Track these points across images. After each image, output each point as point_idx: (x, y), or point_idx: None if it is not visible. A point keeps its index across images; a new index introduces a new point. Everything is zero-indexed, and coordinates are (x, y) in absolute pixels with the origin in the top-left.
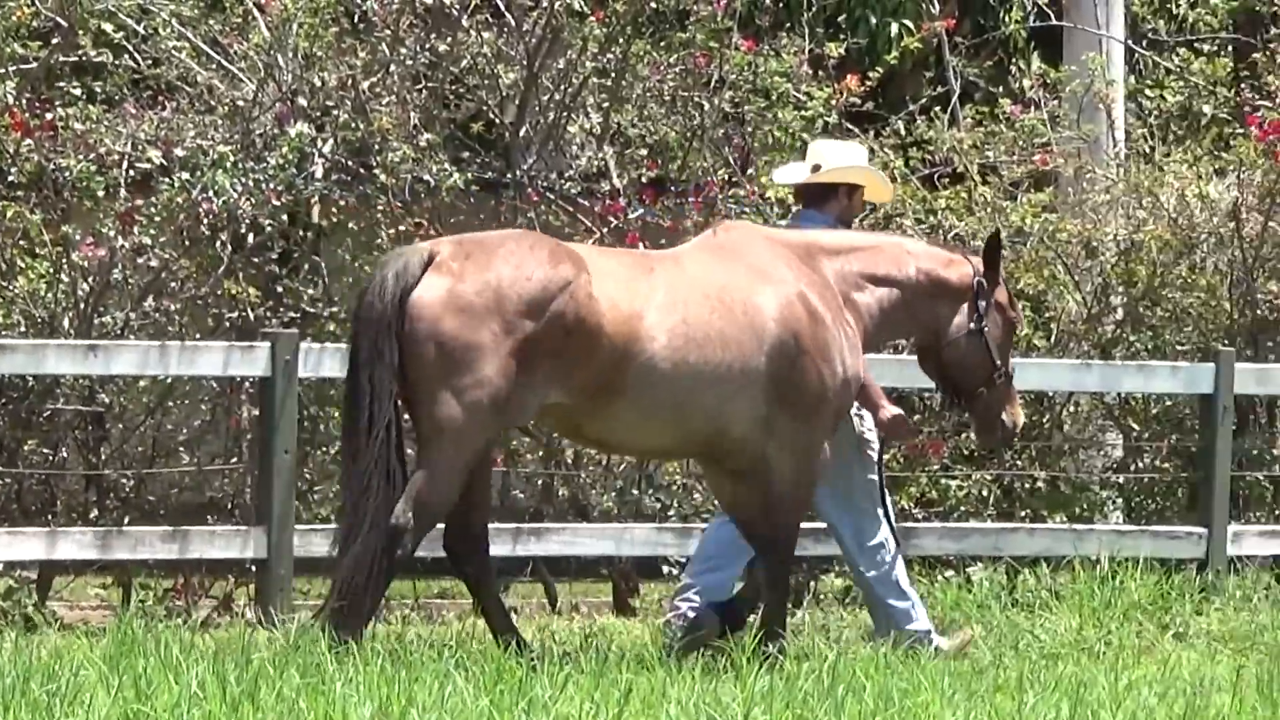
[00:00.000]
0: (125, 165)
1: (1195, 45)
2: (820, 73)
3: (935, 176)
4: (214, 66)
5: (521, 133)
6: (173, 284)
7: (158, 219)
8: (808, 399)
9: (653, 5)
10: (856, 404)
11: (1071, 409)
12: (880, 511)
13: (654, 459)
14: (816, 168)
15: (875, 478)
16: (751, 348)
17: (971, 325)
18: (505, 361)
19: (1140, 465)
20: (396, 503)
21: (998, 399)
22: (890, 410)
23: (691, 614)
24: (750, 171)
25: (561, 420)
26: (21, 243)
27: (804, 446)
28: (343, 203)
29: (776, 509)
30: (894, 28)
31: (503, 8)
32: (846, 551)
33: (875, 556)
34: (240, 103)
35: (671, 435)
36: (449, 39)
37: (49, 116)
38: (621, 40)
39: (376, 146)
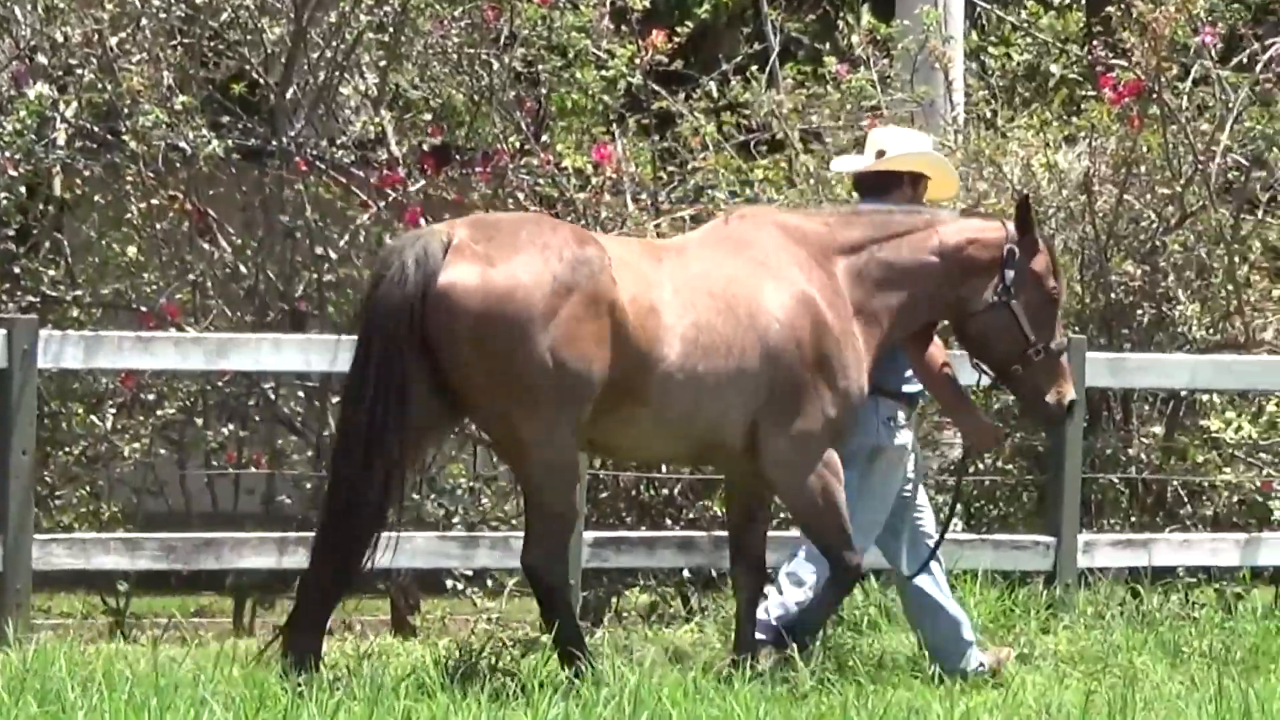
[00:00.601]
0: None
1: None
2: (623, 28)
3: (752, 144)
4: None
5: (288, 95)
6: None
7: None
8: (805, 411)
9: None
10: (902, 409)
11: None
12: (920, 523)
13: (659, 463)
14: (881, 154)
15: (911, 489)
16: (753, 352)
17: (996, 297)
18: (554, 347)
19: (981, 467)
20: (380, 515)
21: (1038, 376)
22: (975, 415)
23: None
24: (545, 139)
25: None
26: None
27: (800, 463)
28: (88, 173)
29: (805, 526)
30: None
31: None
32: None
33: (917, 569)
34: None
35: (674, 446)
36: None
37: None
38: None
39: (126, 110)
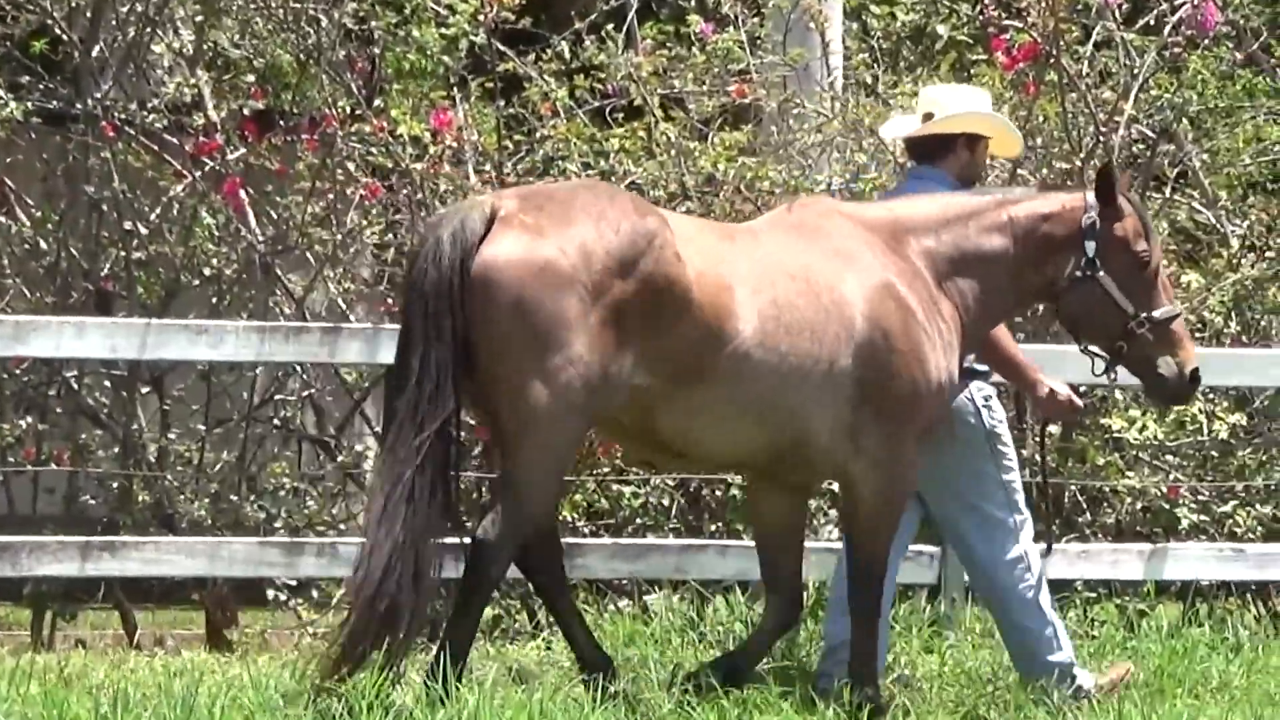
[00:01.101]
0: None
1: None
2: None
3: (608, 110)
4: None
5: (94, 53)
6: None
7: None
8: (897, 406)
9: None
10: (992, 387)
11: None
12: (1019, 519)
13: (721, 471)
14: (929, 116)
15: (1013, 477)
16: (840, 343)
17: (1080, 272)
18: (597, 332)
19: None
20: (440, 515)
21: (1147, 349)
22: (1048, 385)
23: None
24: (378, 103)
25: (635, 413)
26: None
27: (892, 461)
28: None
29: (865, 532)
30: None
31: None
32: (976, 564)
33: (1014, 571)
34: None
35: (753, 438)
36: None
37: None
38: None
39: None
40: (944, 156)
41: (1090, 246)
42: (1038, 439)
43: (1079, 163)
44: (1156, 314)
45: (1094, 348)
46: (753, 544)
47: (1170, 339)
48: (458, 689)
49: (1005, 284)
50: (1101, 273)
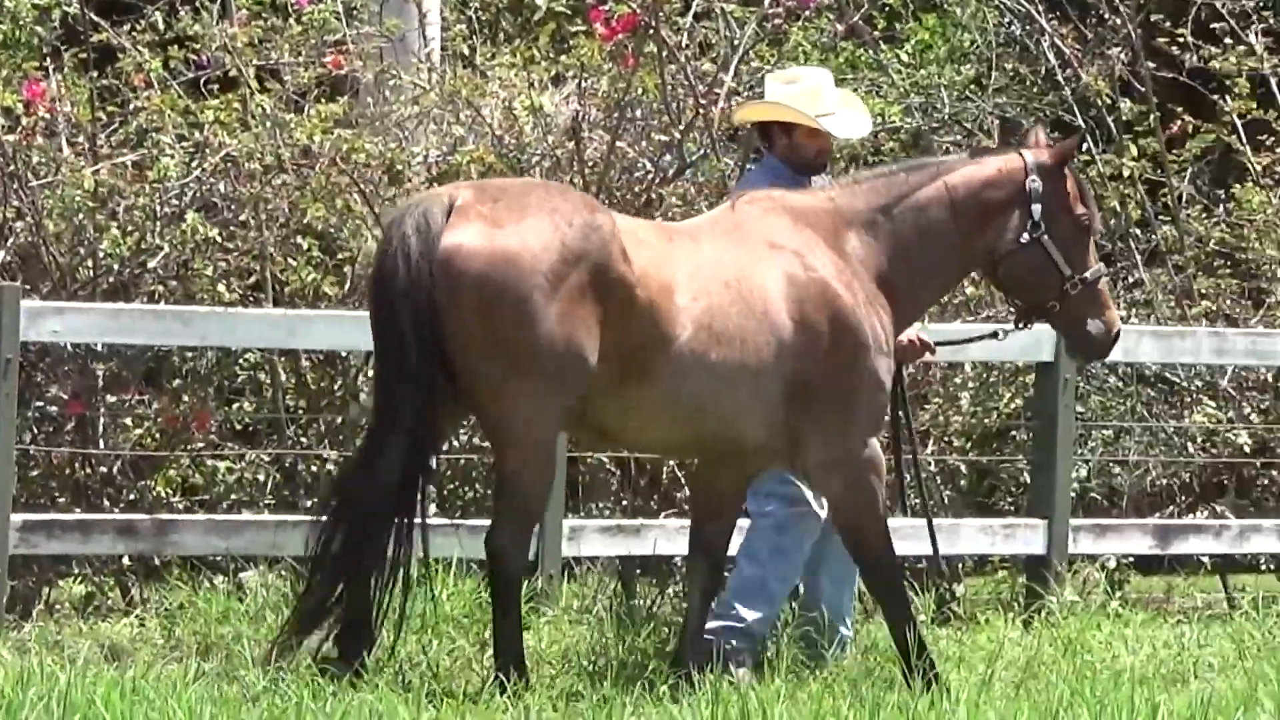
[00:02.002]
0: None
1: None
2: None
3: (203, 82)
4: None
5: None
6: None
7: None
8: (836, 407)
9: None
10: None
11: (370, 373)
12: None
13: (663, 452)
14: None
15: None
16: (770, 349)
17: (1027, 235)
18: (558, 321)
19: (456, 445)
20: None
21: (1079, 308)
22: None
23: None
24: None
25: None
26: None
27: (848, 460)
28: None
29: (850, 529)
30: None
31: None
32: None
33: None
34: None
35: (685, 435)
36: None
37: None
38: None
39: None
40: (772, 143)
41: (1036, 210)
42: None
43: (678, 135)
44: (1088, 275)
45: (1023, 307)
46: None
47: (1099, 299)
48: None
49: (949, 256)
50: (1045, 235)
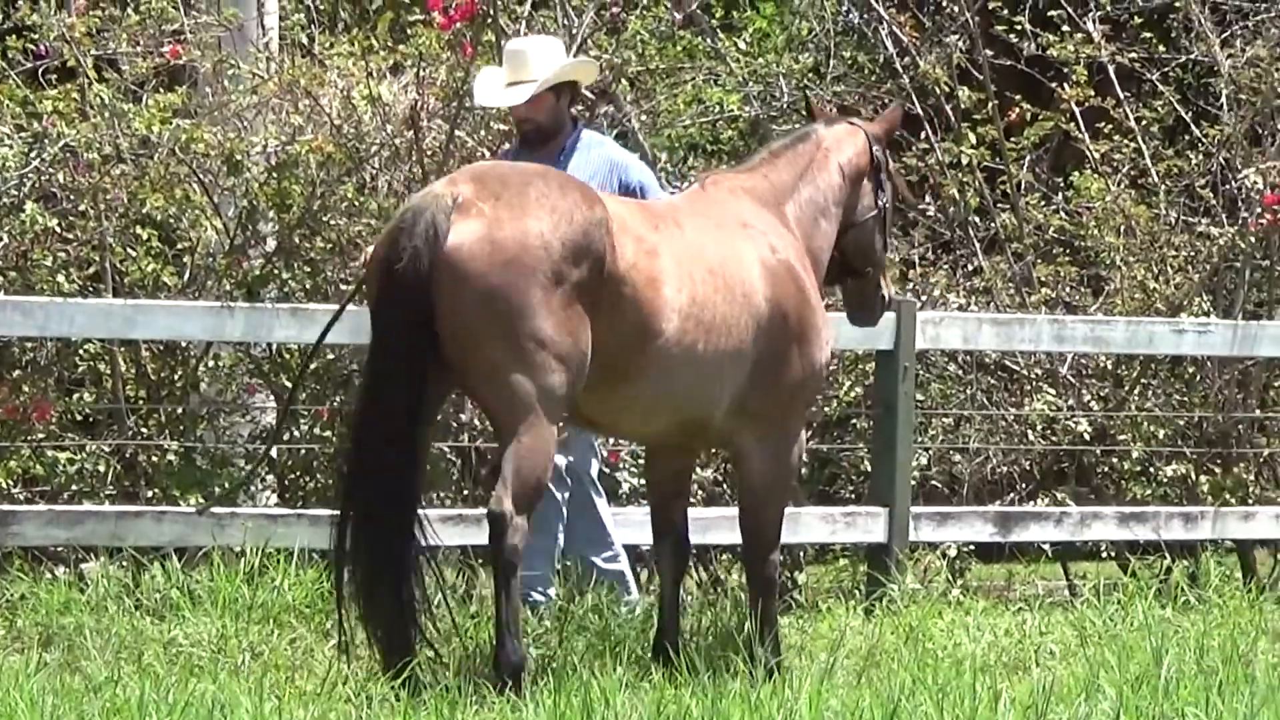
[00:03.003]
0: None
1: None
2: None
3: (40, 72)
4: None
5: None
6: None
7: None
8: (790, 384)
9: None
10: None
11: (211, 364)
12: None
13: (632, 440)
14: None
15: None
16: (748, 331)
17: (876, 205)
18: (562, 316)
19: (298, 434)
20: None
21: (881, 274)
22: None
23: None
24: None
25: None
26: None
27: (782, 436)
28: None
29: (757, 503)
30: None
31: None
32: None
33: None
34: None
35: (668, 423)
36: None
37: None
38: None
39: None
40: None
41: (883, 179)
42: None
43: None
44: (892, 242)
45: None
46: (188, 511)
47: (886, 267)
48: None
49: (835, 224)
50: (887, 203)
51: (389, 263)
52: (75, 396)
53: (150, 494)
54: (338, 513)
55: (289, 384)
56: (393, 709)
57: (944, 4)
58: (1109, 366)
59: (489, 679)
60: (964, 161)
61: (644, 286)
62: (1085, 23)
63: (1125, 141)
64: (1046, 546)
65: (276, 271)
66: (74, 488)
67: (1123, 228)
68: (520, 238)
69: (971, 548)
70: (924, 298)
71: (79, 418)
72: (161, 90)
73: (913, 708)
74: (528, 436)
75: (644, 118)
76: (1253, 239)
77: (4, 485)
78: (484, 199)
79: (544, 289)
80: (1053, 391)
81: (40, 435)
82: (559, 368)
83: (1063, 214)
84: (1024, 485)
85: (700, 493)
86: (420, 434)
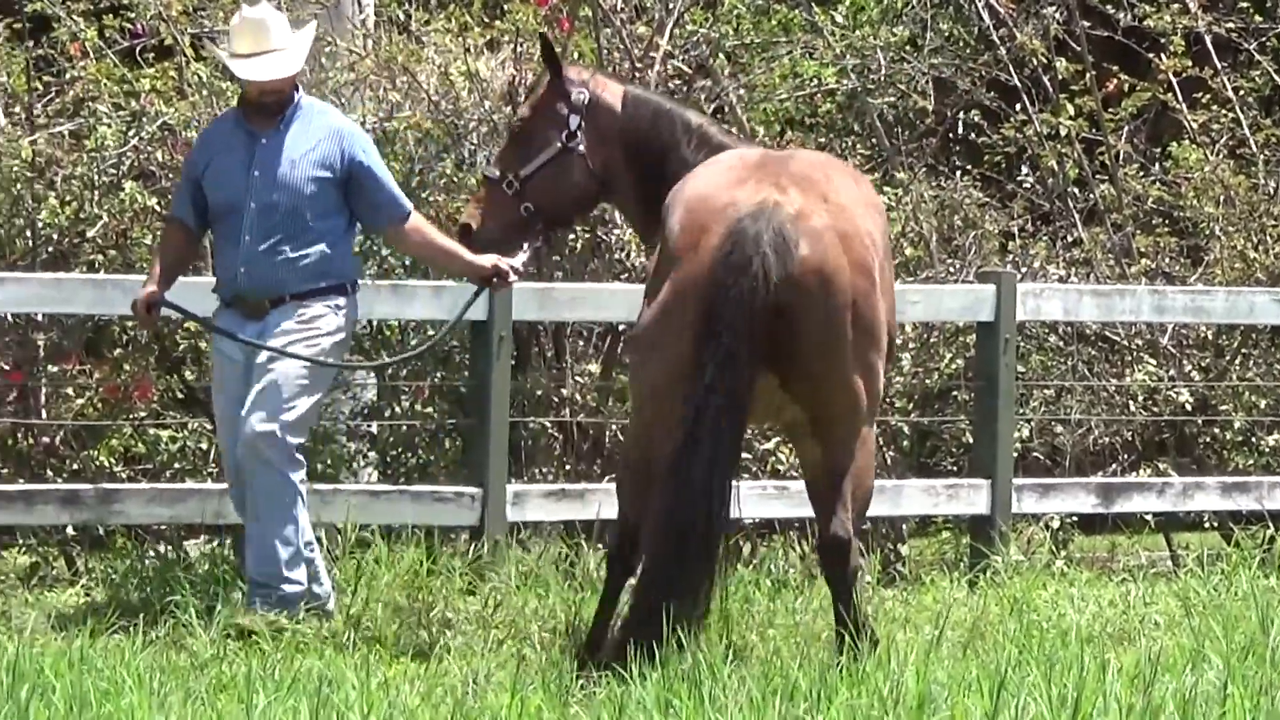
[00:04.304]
0: None
1: None
2: None
3: (138, 50)
4: None
5: None
6: None
7: None
8: None
9: None
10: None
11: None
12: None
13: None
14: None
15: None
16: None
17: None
18: (887, 309)
19: (398, 410)
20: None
21: None
22: (486, 261)
23: None
24: None
25: None
26: None
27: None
28: None
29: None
30: None
31: None
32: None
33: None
34: None
35: None
36: None
37: None
38: None
39: None
40: None
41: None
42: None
43: None
44: None
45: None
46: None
47: None
48: None
49: None
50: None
51: (735, 273)
52: (176, 375)
53: None
54: (658, 523)
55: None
56: (500, 686)
57: None
58: (1209, 336)
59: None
60: (1062, 133)
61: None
62: None
63: (1223, 111)
64: (1149, 517)
65: (376, 248)
66: (176, 466)
67: (1222, 198)
68: (862, 238)
69: (1074, 519)
70: (1024, 269)
71: (180, 396)
72: None
73: (1019, 679)
74: (862, 450)
75: (741, 92)
76: None
77: (107, 464)
78: (815, 204)
79: (875, 288)
80: (1154, 362)
81: (142, 413)
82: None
83: (1161, 184)
84: (1126, 456)
85: None
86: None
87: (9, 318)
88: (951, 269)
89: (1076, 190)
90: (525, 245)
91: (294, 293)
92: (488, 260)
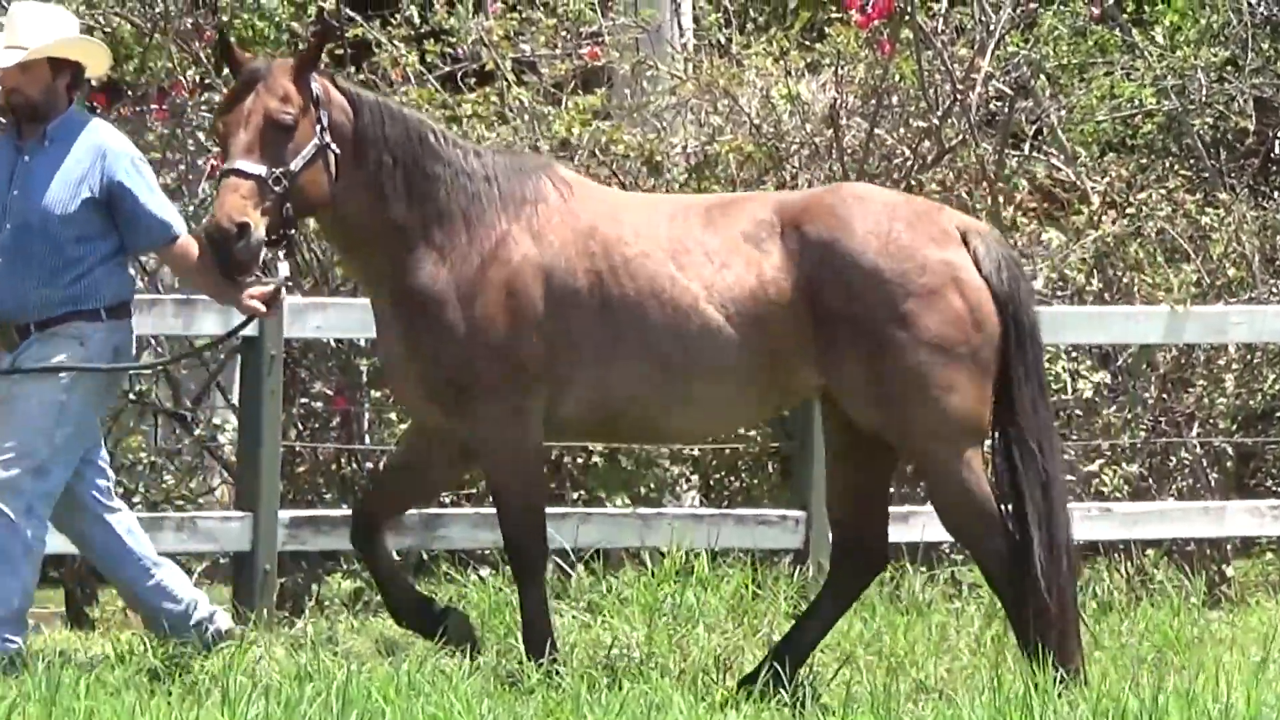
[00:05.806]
0: None
1: None
2: None
3: (460, 75)
4: None
5: None
6: None
7: None
8: None
9: None
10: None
11: None
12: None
13: None
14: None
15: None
16: None
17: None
18: None
19: (721, 439)
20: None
21: None
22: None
23: None
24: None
25: None
26: None
27: None
28: None
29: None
30: None
31: None
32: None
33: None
34: None
35: None
36: None
37: None
38: None
39: None
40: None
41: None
42: None
43: (936, 121)
44: None
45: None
46: (621, 513)
47: None
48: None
49: None
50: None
51: (1015, 289)
52: None
53: (576, 495)
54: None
55: None
56: (826, 710)
57: None
58: None
59: None
60: None
61: None
62: None
63: None
64: None
65: None
66: None
67: None
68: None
69: None
70: None
71: None
72: (580, 92)
73: None
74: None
75: (1061, 113)
76: None
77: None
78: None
79: None
80: None
81: None
82: None
83: None
84: None
85: (1126, 487)
86: None
87: (332, 343)
88: (1274, 289)
89: None
90: (282, 255)
91: (40, 320)
92: (254, 295)
